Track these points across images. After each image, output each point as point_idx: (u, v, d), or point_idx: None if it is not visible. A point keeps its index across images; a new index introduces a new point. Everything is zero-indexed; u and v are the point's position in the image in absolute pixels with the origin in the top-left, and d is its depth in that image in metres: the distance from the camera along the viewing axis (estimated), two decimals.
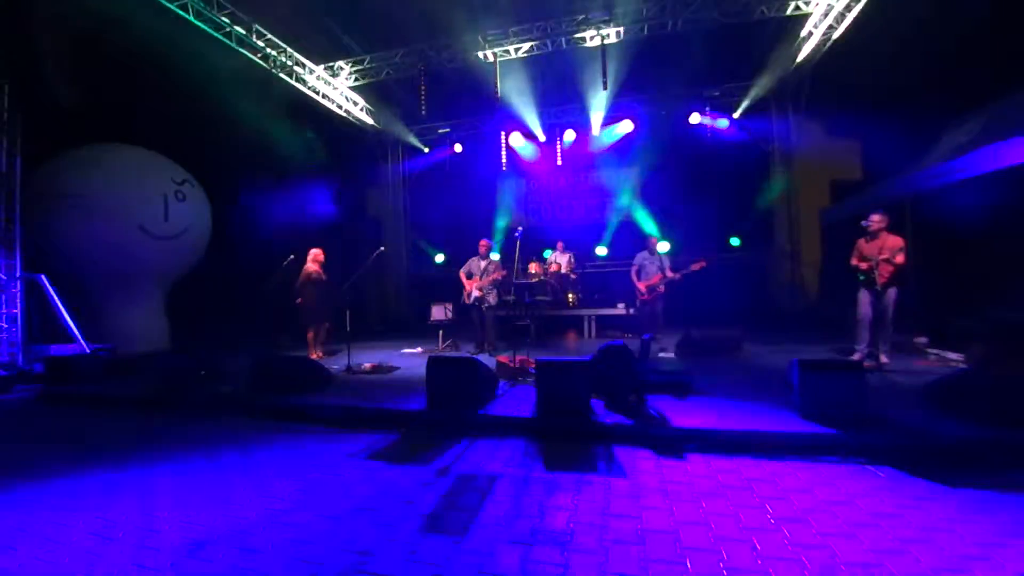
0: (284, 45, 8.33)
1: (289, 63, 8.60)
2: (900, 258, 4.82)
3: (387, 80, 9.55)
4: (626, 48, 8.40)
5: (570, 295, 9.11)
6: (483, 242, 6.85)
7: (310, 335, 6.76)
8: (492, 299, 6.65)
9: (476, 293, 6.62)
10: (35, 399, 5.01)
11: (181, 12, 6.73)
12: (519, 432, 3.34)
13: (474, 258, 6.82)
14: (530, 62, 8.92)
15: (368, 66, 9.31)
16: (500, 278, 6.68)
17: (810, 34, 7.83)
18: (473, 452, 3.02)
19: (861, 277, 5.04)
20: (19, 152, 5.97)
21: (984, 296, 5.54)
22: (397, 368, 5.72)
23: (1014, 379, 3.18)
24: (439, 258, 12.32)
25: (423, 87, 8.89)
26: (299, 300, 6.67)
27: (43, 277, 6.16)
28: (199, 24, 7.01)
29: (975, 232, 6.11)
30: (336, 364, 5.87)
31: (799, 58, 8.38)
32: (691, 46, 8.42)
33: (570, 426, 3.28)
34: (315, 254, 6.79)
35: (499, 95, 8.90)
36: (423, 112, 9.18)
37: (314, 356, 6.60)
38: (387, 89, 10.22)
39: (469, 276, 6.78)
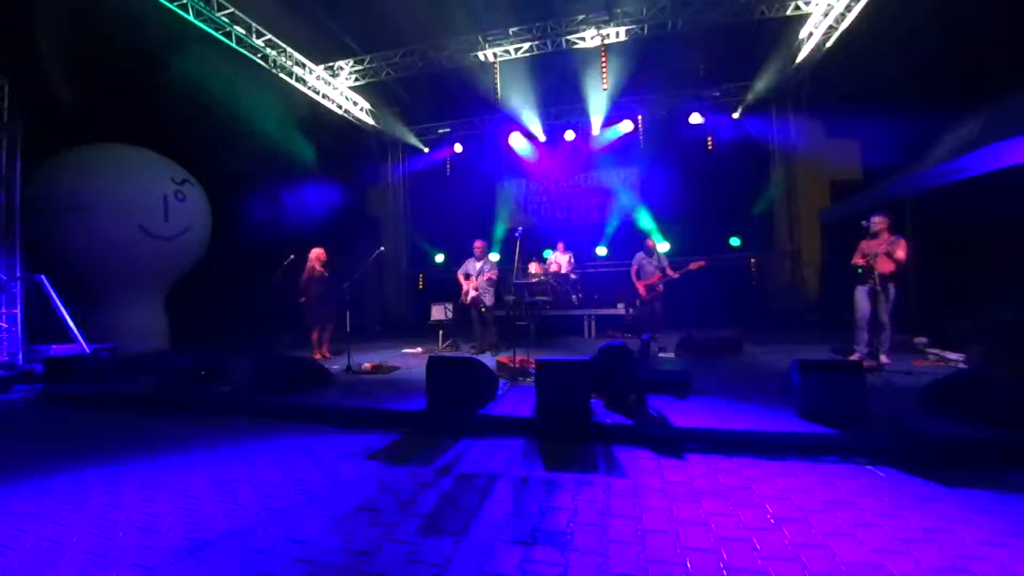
0: (284, 45, 8.33)
1: (289, 63, 8.60)
2: (901, 253, 4.81)
3: (387, 80, 9.55)
4: (626, 48, 8.40)
5: (570, 295, 9.11)
6: (478, 243, 6.86)
7: (314, 335, 6.77)
8: (488, 299, 6.65)
9: (473, 293, 6.64)
10: (35, 399, 5.01)
11: (181, 12, 6.73)
12: (519, 432, 3.34)
13: (471, 259, 6.83)
14: (530, 62, 8.92)
15: (368, 66, 9.31)
16: (494, 278, 6.69)
17: (810, 34, 7.83)
18: (473, 452, 3.02)
19: (860, 271, 5.04)
20: (19, 152, 5.97)
21: (984, 296, 5.54)
22: (397, 368, 5.72)
23: (1014, 379, 3.17)
24: (439, 258, 12.32)
25: (423, 87, 8.91)
26: (303, 299, 6.69)
27: (43, 277, 6.16)
28: (199, 24, 7.01)
29: (975, 232, 6.12)
30: (336, 364, 5.87)
31: (799, 58, 8.38)
32: (691, 46, 8.43)
33: (570, 426, 3.27)
34: (317, 253, 6.81)
35: (499, 95, 8.90)
36: (423, 112, 9.19)
37: (318, 356, 6.62)
38: (387, 89, 10.22)
39: (467, 277, 6.79)
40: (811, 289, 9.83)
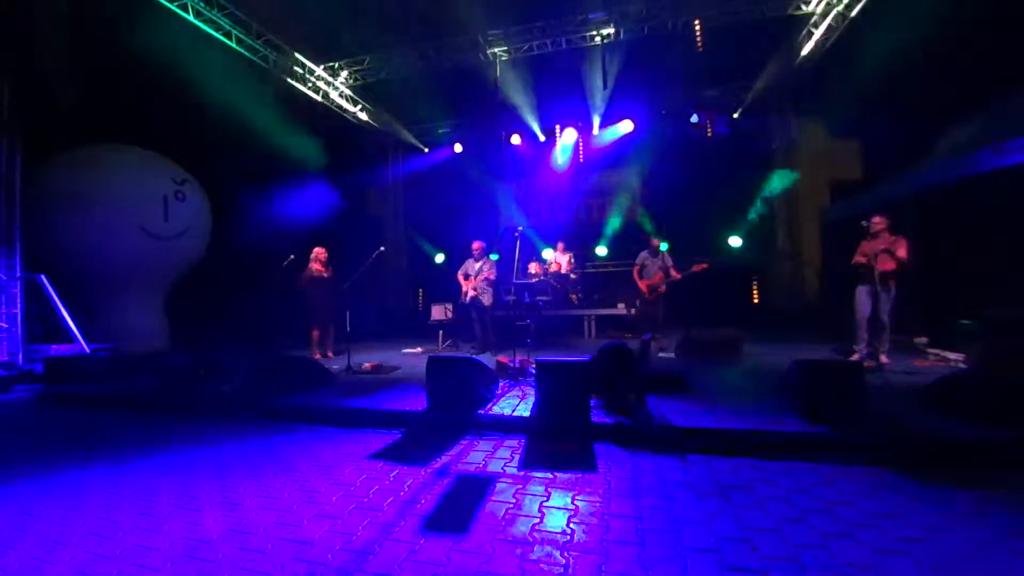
0: (284, 45, 8.33)
1: (289, 63, 8.60)
2: (902, 252, 4.80)
3: (387, 80, 9.55)
4: (626, 48, 8.39)
5: (570, 295, 9.11)
6: (476, 243, 6.86)
7: (314, 335, 6.77)
8: (487, 299, 6.66)
9: (472, 293, 6.64)
10: (35, 399, 5.02)
11: (180, 12, 6.73)
12: (519, 432, 3.34)
13: (470, 259, 6.84)
14: (530, 62, 8.92)
15: (368, 66, 9.31)
16: (492, 277, 6.69)
17: (810, 34, 7.83)
18: (473, 452, 3.02)
19: (861, 271, 5.05)
20: (19, 151, 5.97)
21: (984, 296, 5.54)
22: (397, 368, 5.73)
23: (1014, 379, 3.18)
24: (439, 258, 12.31)
25: (423, 87, 8.91)
26: (305, 300, 6.69)
27: (43, 277, 6.15)
28: (199, 24, 7.01)
29: (975, 232, 6.11)
30: (336, 364, 5.87)
31: (799, 58, 8.38)
32: (691, 46, 8.42)
33: (570, 426, 3.27)
34: (317, 253, 6.81)
35: (499, 95, 8.90)
36: (422, 112, 9.20)
37: (318, 356, 6.61)
38: (387, 89, 10.21)
39: (466, 277, 6.79)
40: (811, 289, 9.82)
